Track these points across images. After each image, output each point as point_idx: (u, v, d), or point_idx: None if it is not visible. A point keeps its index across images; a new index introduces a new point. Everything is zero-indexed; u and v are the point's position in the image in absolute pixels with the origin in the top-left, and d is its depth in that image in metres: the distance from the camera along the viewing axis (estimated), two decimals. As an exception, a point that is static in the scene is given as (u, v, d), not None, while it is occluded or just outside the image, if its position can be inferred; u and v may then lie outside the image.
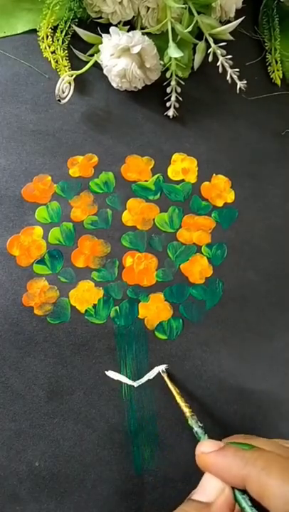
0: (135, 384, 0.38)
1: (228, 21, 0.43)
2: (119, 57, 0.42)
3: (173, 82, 0.43)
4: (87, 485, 0.36)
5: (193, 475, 0.36)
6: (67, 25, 0.45)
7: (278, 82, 0.48)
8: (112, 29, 0.41)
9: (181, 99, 0.44)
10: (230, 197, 0.43)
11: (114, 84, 0.44)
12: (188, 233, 0.42)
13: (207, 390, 0.38)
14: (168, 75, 0.43)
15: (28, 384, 0.37)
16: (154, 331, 0.39)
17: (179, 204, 0.43)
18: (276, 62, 0.48)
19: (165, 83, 0.44)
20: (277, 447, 0.26)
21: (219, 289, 0.41)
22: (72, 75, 0.43)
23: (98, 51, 0.43)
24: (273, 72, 0.48)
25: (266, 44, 0.49)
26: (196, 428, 0.30)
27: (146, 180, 0.43)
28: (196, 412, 0.37)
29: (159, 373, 0.38)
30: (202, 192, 0.43)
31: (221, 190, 0.44)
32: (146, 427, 0.37)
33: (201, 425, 0.30)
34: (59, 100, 0.42)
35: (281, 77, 0.48)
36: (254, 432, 0.37)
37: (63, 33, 0.45)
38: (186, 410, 0.32)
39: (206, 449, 0.27)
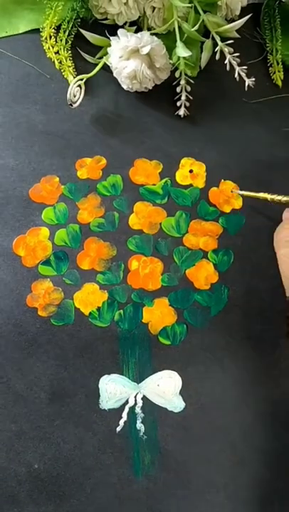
0: (138, 389, 0.37)
1: (233, 20, 0.43)
2: (128, 59, 0.42)
3: (182, 81, 0.43)
4: (86, 489, 0.35)
5: (194, 482, 0.36)
6: (70, 25, 0.45)
7: (279, 83, 0.48)
8: (120, 31, 0.41)
9: (191, 97, 0.44)
10: (237, 203, 0.43)
11: (124, 86, 0.44)
12: (195, 238, 0.42)
13: (209, 398, 0.38)
14: (177, 74, 0.43)
15: (29, 385, 0.37)
16: (158, 336, 0.39)
17: (186, 209, 0.42)
18: (277, 64, 0.48)
19: (174, 83, 0.43)
20: None
21: (224, 295, 0.40)
22: (82, 79, 0.43)
23: (106, 53, 0.43)
24: (274, 73, 0.48)
25: (267, 45, 0.49)
26: None
27: (154, 184, 0.43)
28: (201, 419, 0.37)
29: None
30: (210, 197, 0.43)
31: (228, 195, 0.43)
32: (148, 433, 0.37)
33: None
34: (71, 105, 0.42)
35: (282, 78, 0.48)
36: (254, 441, 0.37)
37: (66, 33, 0.45)
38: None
39: None
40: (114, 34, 0.42)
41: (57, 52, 0.45)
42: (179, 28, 0.42)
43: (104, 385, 0.37)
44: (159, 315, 0.39)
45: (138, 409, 0.37)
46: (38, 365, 0.37)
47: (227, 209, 0.43)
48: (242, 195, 0.43)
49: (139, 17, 0.45)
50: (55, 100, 0.44)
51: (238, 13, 0.46)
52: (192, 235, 0.42)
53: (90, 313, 0.39)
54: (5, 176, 0.42)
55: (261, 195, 0.40)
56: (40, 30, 0.45)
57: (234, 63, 0.41)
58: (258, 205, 0.43)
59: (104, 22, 0.45)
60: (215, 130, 0.46)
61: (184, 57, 0.42)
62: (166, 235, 0.42)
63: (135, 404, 0.37)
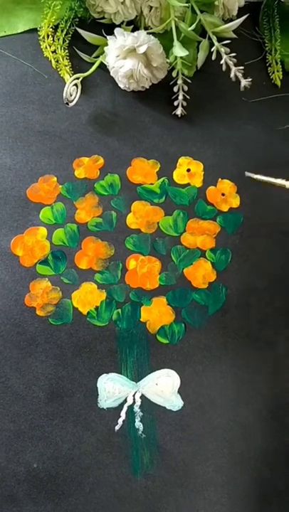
0: (136, 388, 0.37)
1: (230, 20, 0.43)
2: (125, 58, 0.42)
3: (179, 81, 0.43)
4: (85, 488, 0.35)
5: (192, 481, 0.36)
6: (68, 25, 0.45)
7: (278, 83, 0.48)
8: (116, 30, 0.41)
9: (188, 97, 0.44)
10: (235, 202, 0.43)
11: (121, 86, 0.44)
12: (193, 237, 0.42)
13: (207, 396, 0.38)
14: (174, 74, 0.43)
15: (28, 385, 0.37)
16: (156, 335, 0.39)
17: (183, 208, 0.42)
18: (276, 63, 0.48)
19: (172, 82, 0.44)
20: None
21: (222, 294, 0.40)
22: (79, 78, 0.43)
23: (103, 52, 0.43)
24: (273, 73, 0.48)
25: (266, 45, 0.49)
26: None
27: (151, 183, 0.43)
28: (199, 417, 0.37)
29: None
30: (207, 196, 0.43)
31: (226, 194, 0.43)
32: (146, 431, 0.37)
33: None
34: (67, 103, 0.42)
35: (281, 77, 0.48)
36: (252, 439, 0.37)
37: (64, 33, 0.45)
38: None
39: None
40: (111, 33, 0.42)
41: (54, 52, 0.45)
42: (176, 27, 0.42)
43: (103, 384, 0.37)
44: (157, 314, 0.39)
45: (136, 408, 0.37)
46: (37, 364, 0.37)
47: (224, 208, 0.43)
48: (256, 180, 0.40)
49: (136, 16, 0.45)
50: (52, 100, 0.44)
51: (235, 13, 0.46)
52: (190, 233, 0.42)
53: (88, 312, 0.39)
54: (2, 176, 0.42)
55: (279, 181, 0.38)
56: (38, 29, 0.45)
57: (230, 63, 0.41)
58: (256, 203, 0.44)
59: (101, 21, 0.45)
60: (212, 129, 0.46)
61: (181, 57, 0.42)
62: (163, 234, 0.42)
63: (134, 403, 0.37)
